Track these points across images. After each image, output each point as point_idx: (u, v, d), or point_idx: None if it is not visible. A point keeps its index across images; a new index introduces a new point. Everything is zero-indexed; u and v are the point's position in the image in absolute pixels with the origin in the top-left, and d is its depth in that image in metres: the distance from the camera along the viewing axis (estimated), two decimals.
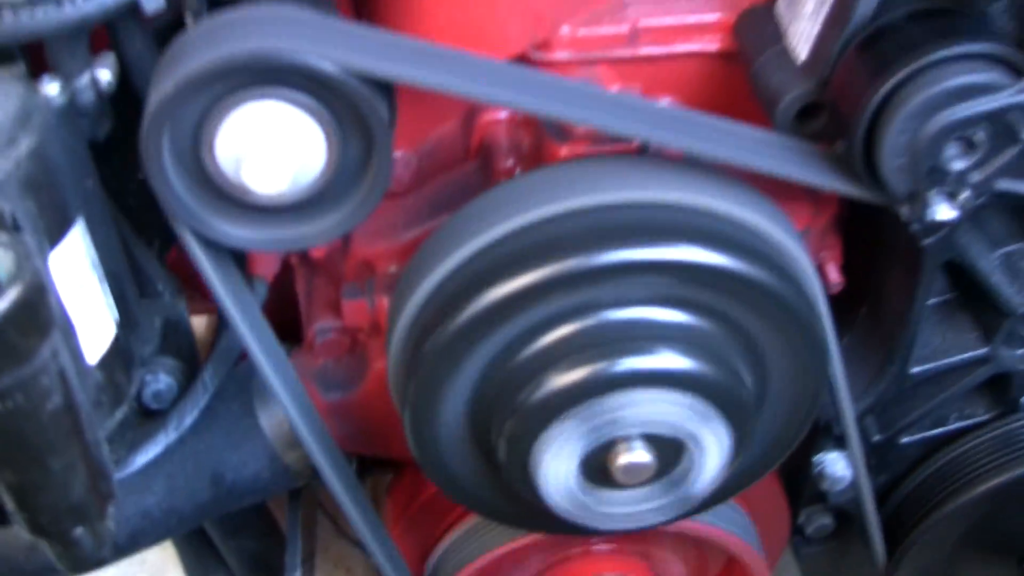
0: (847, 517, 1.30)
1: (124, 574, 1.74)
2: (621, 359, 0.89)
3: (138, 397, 1.13)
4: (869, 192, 0.93)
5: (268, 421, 1.13)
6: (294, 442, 1.09)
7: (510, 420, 0.92)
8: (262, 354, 0.98)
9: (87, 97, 0.90)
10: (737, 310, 0.91)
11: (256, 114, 0.83)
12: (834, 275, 1.11)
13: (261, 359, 0.98)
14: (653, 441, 0.92)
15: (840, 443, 1.22)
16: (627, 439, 0.91)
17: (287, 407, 1.03)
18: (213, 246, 0.90)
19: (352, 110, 0.85)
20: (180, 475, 1.13)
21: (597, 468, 0.94)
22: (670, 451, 0.93)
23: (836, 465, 1.23)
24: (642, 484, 0.95)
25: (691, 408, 0.90)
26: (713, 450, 0.93)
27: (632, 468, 0.92)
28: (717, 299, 0.90)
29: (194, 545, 1.48)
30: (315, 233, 0.90)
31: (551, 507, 0.96)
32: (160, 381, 1.13)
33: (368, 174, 0.88)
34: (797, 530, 1.33)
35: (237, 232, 0.89)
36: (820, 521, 1.31)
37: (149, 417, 1.14)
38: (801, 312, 0.92)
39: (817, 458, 1.24)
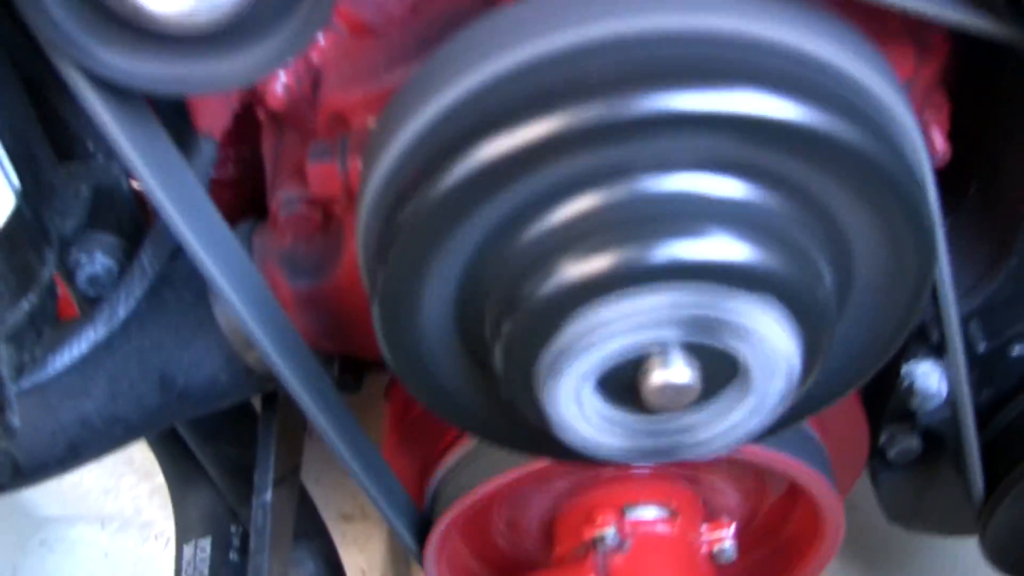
0: (939, 440, 1.08)
1: (111, 475, 1.58)
2: (659, 244, 0.66)
3: (72, 282, 0.93)
4: (1005, 27, 0.70)
5: (224, 313, 0.92)
6: None
7: (509, 320, 0.70)
8: (192, 235, 0.77)
9: None
10: (817, 181, 0.68)
11: None
12: (940, 143, 0.88)
13: (192, 243, 0.77)
14: (698, 354, 0.69)
15: (937, 351, 1.00)
16: (663, 351, 0.69)
17: (234, 303, 0.82)
18: (112, 89, 0.68)
19: None
20: (123, 377, 0.94)
21: (622, 387, 0.71)
22: (720, 367, 0.70)
23: (930, 378, 1.01)
24: (683, 410, 0.73)
25: (750, 311, 0.67)
26: (777, 368, 0.70)
27: (669, 390, 0.69)
28: (791, 166, 0.67)
29: (171, 451, 1.31)
30: (234, 72, 0.68)
31: (560, 436, 0.74)
32: (96, 263, 0.93)
33: None
34: (877, 452, 1.10)
35: (130, 67, 0.66)
36: (905, 443, 1.09)
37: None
38: (903, 186, 0.69)
39: (907, 369, 1.02)
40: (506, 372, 0.73)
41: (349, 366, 1.08)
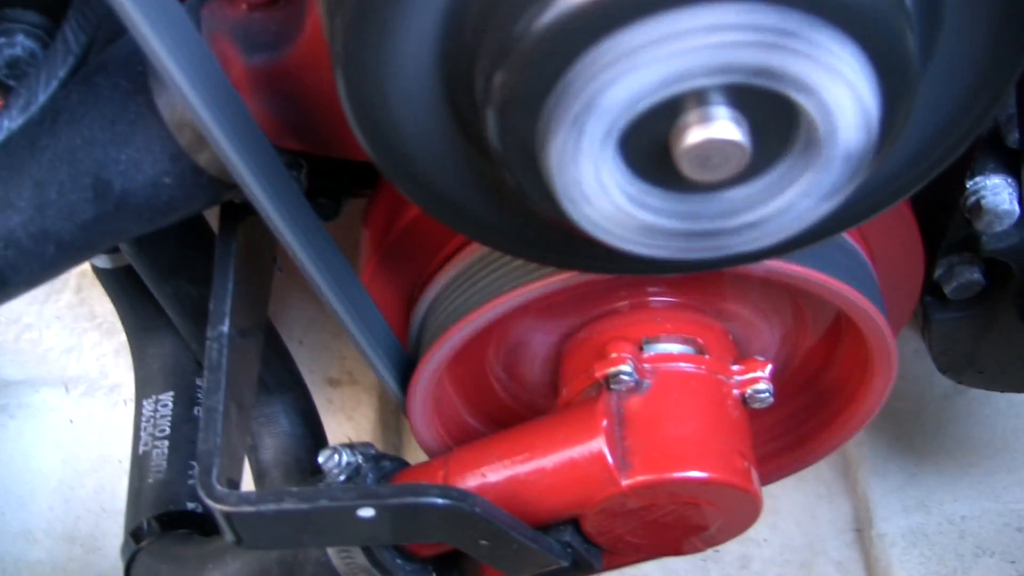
0: (1004, 274, 0.94)
1: (72, 331, 1.46)
2: None
3: None
4: None
5: (168, 102, 0.77)
6: None
7: (502, 70, 0.55)
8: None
9: None
10: None
11: None
12: None
13: (125, 5, 0.61)
14: (747, 103, 0.54)
15: (1011, 162, 0.85)
16: (702, 97, 0.54)
17: (178, 84, 0.67)
18: None
19: None
20: (51, 183, 0.80)
21: (650, 152, 0.56)
22: (775, 124, 0.55)
23: (1000, 194, 0.87)
24: (726, 183, 0.58)
25: (817, 43, 0.52)
26: (848, 123, 0.55)
27: (710, 151, 0.54)
28: None
29: (128, 294, 1.17)
30: None
31: (570, 219, 0.59)
32: (16, 46, 0.78)
33: None
34: (931, 288, 0.96)
35: None
36: (966, 276, 0.94)
37: None
38: None
39: (973, 183, 0.87)
40: (503, 141, 0.59)
41: (324, 186, 0.93)
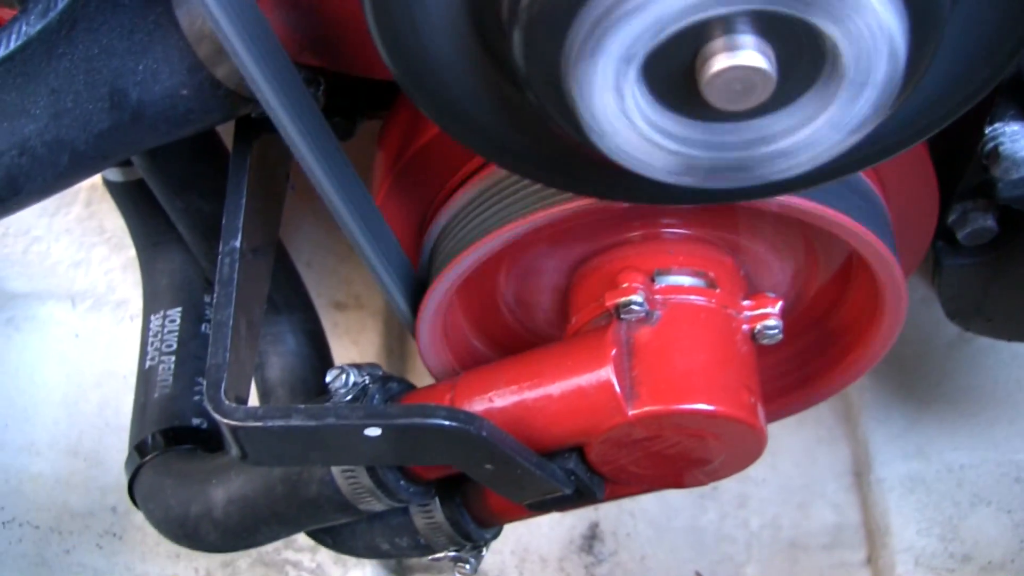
0: (1018, 221, 0.93)
1: (80, 245, 1.45)
2: None
3: None
4: None
5: (187, 12, 0.76)
6: None
7: None
8: None
9: None
10: None
11: None
12: None
13: None
14: (774, 31, 0.53)
15: None
16: (728, 24, 0.53)
17: None
18: None
19: None
20: (68, 92, 0.79)
21: (675, 77, 0.56)
22: (802, 54, 0.55)
23: (1019, 141, 0.85)
24: (751, 114, 0.58)
25: None
26: (877, 59, 0.54)
27: (736, 79, 0.54)
28: None
29: (139, 208, 1.16)
30: None
31: (591, 142, 0.59)
32: None
33: None
34: (944, 233, 0.96)
35: None
36: (980, 223, 0.94)
37: None
38: None
39: (992, 129, 0.86)
40: (528, 62, 0.58)
41: (340, 105, 0.93)
